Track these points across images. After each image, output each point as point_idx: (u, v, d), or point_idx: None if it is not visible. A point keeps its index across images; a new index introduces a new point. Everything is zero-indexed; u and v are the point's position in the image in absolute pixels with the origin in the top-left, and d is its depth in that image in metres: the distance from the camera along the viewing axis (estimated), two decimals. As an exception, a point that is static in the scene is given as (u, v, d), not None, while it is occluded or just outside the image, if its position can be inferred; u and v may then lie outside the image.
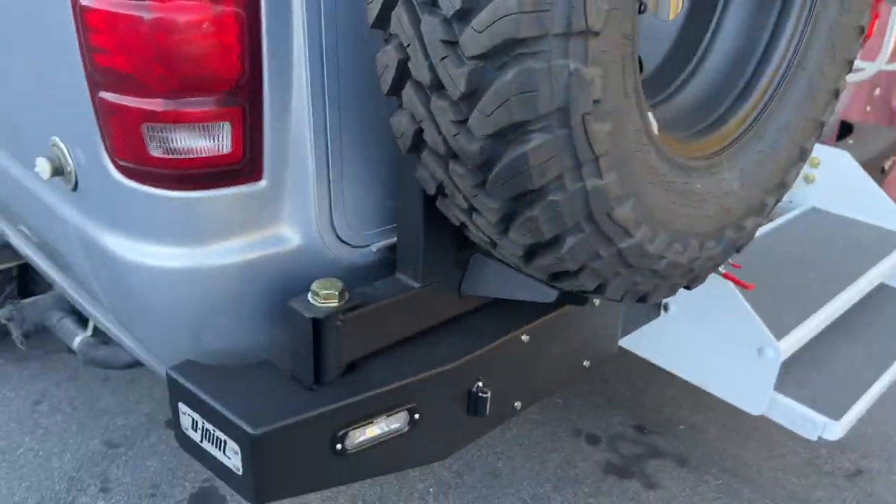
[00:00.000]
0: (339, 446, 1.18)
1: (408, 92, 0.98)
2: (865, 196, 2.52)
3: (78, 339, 1.92)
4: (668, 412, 2.84)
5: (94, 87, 1.11)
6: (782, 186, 1.36)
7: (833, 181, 2.57)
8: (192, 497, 2.31)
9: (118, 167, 1.17)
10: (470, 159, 0.95)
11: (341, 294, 1.18)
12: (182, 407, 1.21)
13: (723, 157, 1.25)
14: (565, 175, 0.93)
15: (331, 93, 1.19)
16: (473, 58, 0.87)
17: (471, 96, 0.90)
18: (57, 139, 1.25)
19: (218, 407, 1.13)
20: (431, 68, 0.92)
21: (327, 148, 1.22)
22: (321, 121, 1.20)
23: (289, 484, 1.17)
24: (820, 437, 1.84)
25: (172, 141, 1.10)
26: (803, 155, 1.38)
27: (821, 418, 1.80)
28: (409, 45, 0.94)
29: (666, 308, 1.90)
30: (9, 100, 1.45)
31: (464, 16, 0.86)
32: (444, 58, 0.90)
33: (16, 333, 2.07)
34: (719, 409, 2.84)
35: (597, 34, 0.86)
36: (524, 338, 1.40)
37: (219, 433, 1.15)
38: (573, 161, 0.92)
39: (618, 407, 2.85)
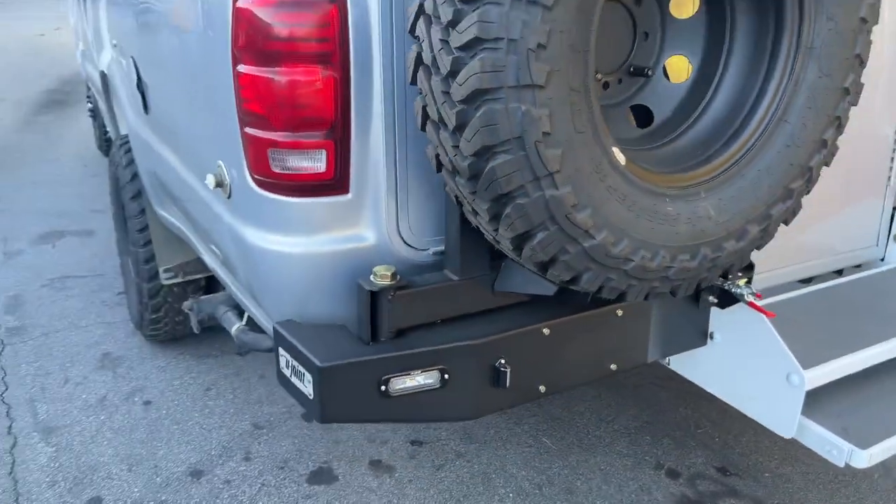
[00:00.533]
0: (383, 388, 1.60)
1: (429, 128, 1.42)
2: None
3: (235, 327, 2.50)
4: (755, 459, 2.94)
5: (242, 125, 1.66)
6: (767, 218, 1.62)
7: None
8: (312, 473, 2.80)
9: (254, 180, 1.71)
10: (464, 173, 1.36)
11: (393, 276, 1.62)
12: (281, 351, 1.69)
13: (701, 189, 1.56)
14: (527, 185, 1.32)
15: (398, 133, 1.66)
16: (459, 102, 1.30)
17: (460, 128, 1.32)
18: (221, 162, 1.82)
19: (301, 348, 1.60)
20: (437, 111, 1.35)
21: (396, 173, 1.69)
22: (391, 153, 1.67)
23: (345, 410, 1.60)
24: (847, 465, 1.97)
25: (287, 162, 1.62)
26: (790, 194, 1.63)
27: (847, 445, 1.93)
28: (426, 95, 1.38)
29: (712, 336, 2.15)
30: (196, 139, 2.07)
31: (452, 75, 1.29)
32: (443, 103, 1.33)
33: (194, 320, 2.73)
34: (810, 462, 2.91)
35: (542, 87, 1.25)
36: (545, 331, 1.75)
37: (300, 367, 1.61)
38: (532, 175, 1.31)
39: (705, 448, 3.00)
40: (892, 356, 2.17)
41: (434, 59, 1.32)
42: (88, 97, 6.76)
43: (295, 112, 1.58)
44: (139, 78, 2.56)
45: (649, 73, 1.77)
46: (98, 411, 3.15)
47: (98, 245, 4.83)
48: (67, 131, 7.94)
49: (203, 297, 2.76)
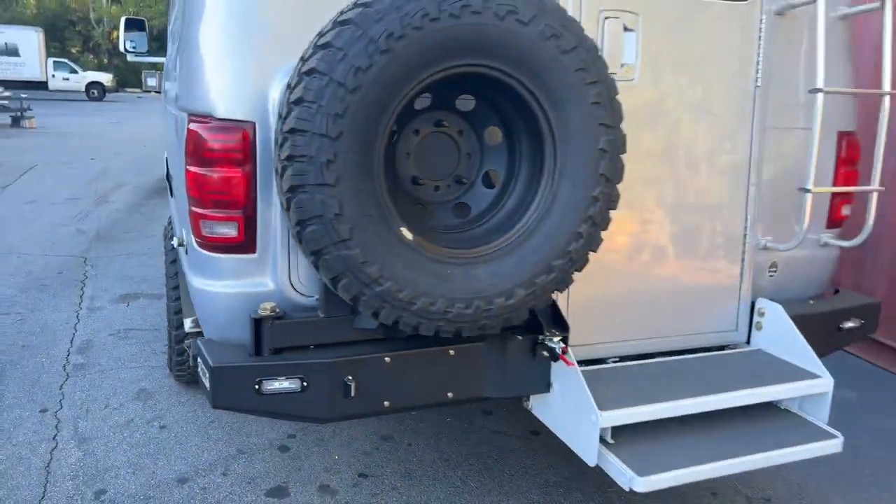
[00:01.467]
0: (257, 387, 2.30)
1: (285, 211, 2.19)
2: (793, 344, 3.04)
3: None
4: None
5: (189, 204, 2.49)
6: (532, 285, 2.25)
7: (774, 330, 3.13)
8: (271, 489, 3.46)
9: (196, 242, 2.51)
10: (295, 238, 2.10)
11: (273, 309, 2.35)
12: (198, 359, 2.43)
13: (479, 260, 2.22)
14: (329, 246, 2.03)
15: (292, 213, 2.44)
16: (285, 192, 2.05)
17: (287, 208, 2.07)
18: (183, 229, 2.65)
19: (205, 354, 2.34)
20: (280, 197, 2.11)
21: (288, 240, 2.44)
22: (285, 225, 2.44)
23: (229, 401, 2.31)
24: (630, 489, 2.48)
25: (213, 229, 2.42)
26: (552, 269, 2.26)
27: (630, 473, 2.46)
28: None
29: (549, 387, 2.73)
30: (179, 214, 2.93)
31: (281, 175, 2.05)
32: (280, 193, 2.09)
33: (190, 357, 3.53)
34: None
35: (332, 185, 1.98)
36: (387, 359, 2.41)
37: (204, 368, 2.34)
38: (331, 240, 2.02)
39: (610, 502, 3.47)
40: (685, 412, 2.67)
41: (276, 165, 2.10)
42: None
43: (218, 196, 2.39)
44: (167, 170, 3.51)
45: (465, 181, 2.49)
46: (123, 430, 3.97)
47: (163, 306, 5.82)
48: (165, 213, 9.26)
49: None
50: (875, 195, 3.08)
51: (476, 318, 2.22)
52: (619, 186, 2.40)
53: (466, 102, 2.45)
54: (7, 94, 21.09)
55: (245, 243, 2.43)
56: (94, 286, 6.42)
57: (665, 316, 3.04)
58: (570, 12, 2.58)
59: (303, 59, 2.03)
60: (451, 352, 2.48)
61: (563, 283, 2.32)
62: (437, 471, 3.68)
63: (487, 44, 2.07)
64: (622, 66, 2.76)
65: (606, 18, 2.71)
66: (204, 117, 2.35)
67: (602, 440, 2.60)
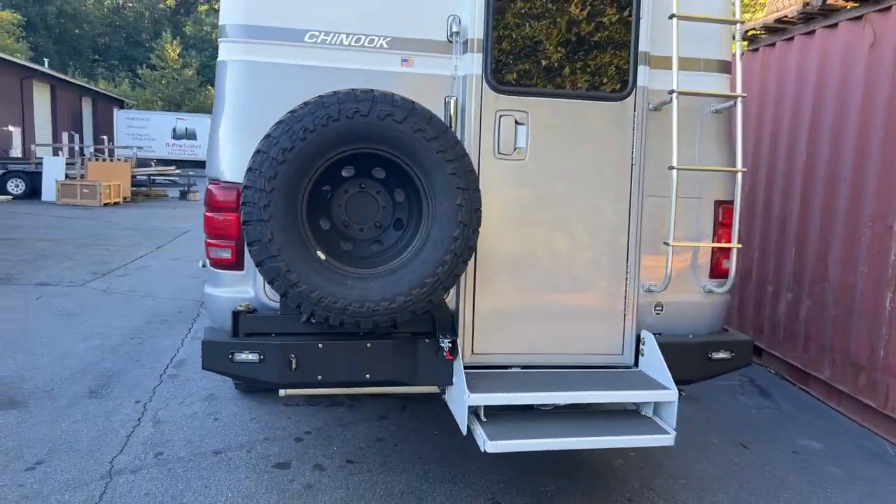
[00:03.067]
0: (230, 357, 3.47)
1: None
2: (658, 366, 3.82)
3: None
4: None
5: (207, 238, 3.76)
6: (409, 295, 3.28)
7: (650, 355, 3.94)
8: (277, 463, 4.60)
9: (209, 262, 3.78)
10: (250, 254, 3.28)
11: (246, 307, 3.55)
12: (203, 341, 3.63)
13: (371, 275, 3.31)
14: (266, 259, 3.18)
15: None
16: (242, 224, 3.24)
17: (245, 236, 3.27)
18: (205, 256, 3.93)
19: (204, 335, 3.56)
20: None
21: (265, 264, 3.65)
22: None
23: (214, 365, 3.48)
24: (484, 450, 3.39)
25: (216, 253, 3.68)
26: (424, 284, 3.29)
27: (484, 437, 3.38)
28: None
29: (451, 380, 3.71)
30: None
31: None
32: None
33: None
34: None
35: (266, 221, 3.15)
36: (320, 345, 3.51)
37: (202, 344, 3.55)
38: (267, 255, 3.17)
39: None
40: (541, 401, 3.53)
41: None
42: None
43: (219, 231, 3.65)
44: None
45: (381, 225, 3.61)
46: (188, 419, 5.28)
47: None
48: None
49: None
50: (735, 251, 3.87)
51: (368, 315, 3.29)
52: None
53: (380, 172, 3.60)
54: (178, 171, 24.52)
55: (236, 263, 3.65)
56: (201, 323, 7.97)
57: (563, 338, 3.94)
58: (473, 112, 3.71)
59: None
60: (368, 344, 3.54)
61: (434, 295, 3.35)
62: (409, 464, 4.66)
63: (374, 135, 3.23)
64: (515, 149, 3.81)
65: (502, 116, 3.78)
66: (214, 181, 3.66)
67: (478, 418, 3.55)
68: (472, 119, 3.73)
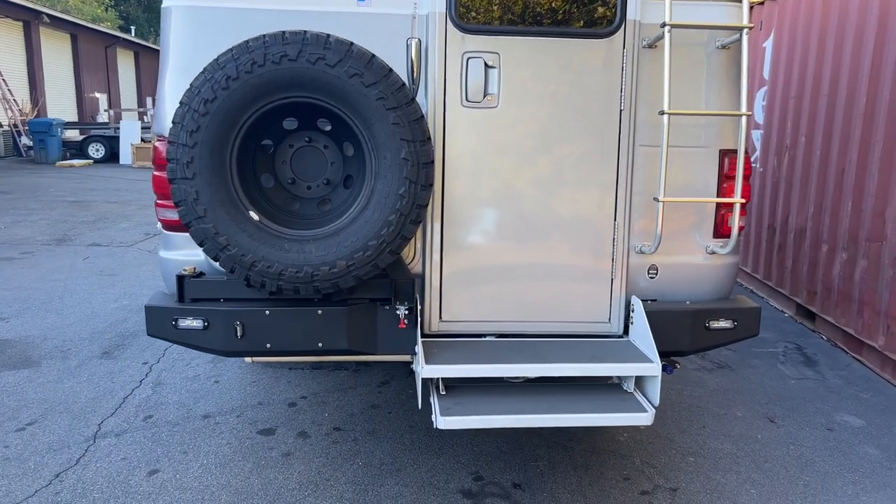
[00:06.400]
0: (174, 323, 3.30)
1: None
2: (645, 335, 3.42)
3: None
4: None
5: (156, 198, 3.57)
6: (351, 259, 2.99)
7: (639, 324, 3.53)
8: (263, 429, 4.46)
9: (160, 223, 3.60)
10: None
11: (192, 270, 3.35)
12: (146, 306, 3.46)
13: (312, 237, 3.03)
14: (193, 221, 2.95)
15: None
16: (169, 181, 3.02)
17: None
18: (159, 217, 3.75)
19: (149, 303, 3.39)
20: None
21: (221, 225, 3.43)
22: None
23: (158, 331, 3.31)
24: (435, 426, 3.11)
25: (164, 214, 3.49)
26: (368, 248, 2.99)
27: (437, 413, 3.10)
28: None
29: (415, 352, 3.43)
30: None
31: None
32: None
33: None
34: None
35: (191, 179, 2.91)
36: (267, 312, 3.29)
37: (146, 307, 3.38)
38: (194, 217, 2.94)
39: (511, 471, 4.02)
40: (502, 374, 3.21)
41: None
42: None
43: (167, 191, 3.45)
44: None
45: (329, 182, 3.31)
46: (188, 381, 5.22)
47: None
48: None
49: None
50: (738, 206, 3.40)
51: (307, 281, 3.03)
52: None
53: (327, 124, 3.30)
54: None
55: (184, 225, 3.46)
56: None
57: (542, 304, 3.58)
58: (437, 55, 3.35)
59: None
60: (319, 311, 3.29)
61: (380, 259, 3.05)
62: (398, 433, 4.44)
63: (304, 82, 2.92)
64: (485, 96, 3.43)
65: (470, 59, 3.40)
66: (161, 136, 3.45)
67: (437, 391, 3.27)
68: (437, 63, 3.37)
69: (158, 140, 3.43)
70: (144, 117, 31.16)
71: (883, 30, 5.61)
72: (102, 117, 31.37)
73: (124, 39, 36.65)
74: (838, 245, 6.26)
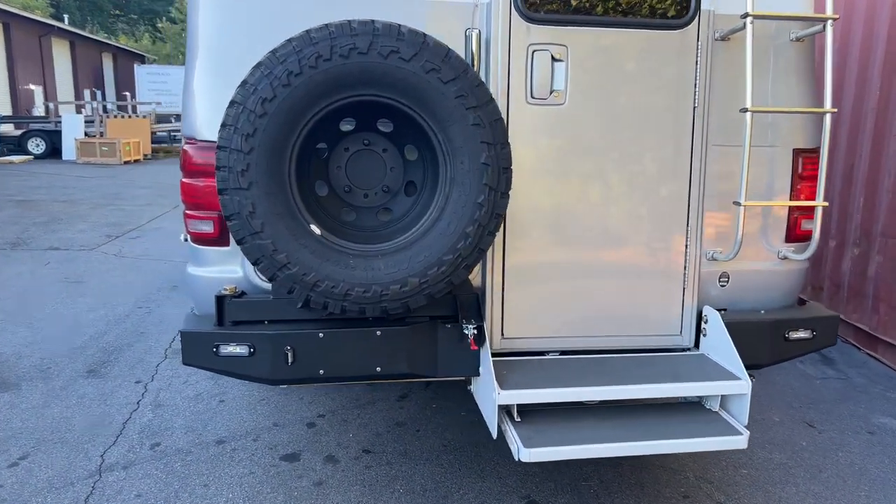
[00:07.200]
0: (215, 350, 2.92)
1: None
2: (726, 349, 3.19)
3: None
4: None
5: (185, 208, 3.17)
6: (424, 276, 2.67)
7: (714, 336, 3.30)
8: (286, 455, 4.09)
9: (189, 236, 3.20)
10: (229, 230, 2.68)
11: (233, 290, 2.97)
12: (182, 332, 3.07)
13: (380, 251, 2.70)
14: (247, 237, 2.59)
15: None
16: (220, 192, 2.64)
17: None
18: (185, 228, 3.35)
19: (184, 328, 3.00)
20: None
21: (254, 239, 3.06)
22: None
23: (194, 359, 2.93)
24: (518, 458, 2.82)
25: (196, 226, 3.10)
26: (442, 263, 2.67)
27: (518, 444, 2.81)
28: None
29: (478, 371, 3.13)
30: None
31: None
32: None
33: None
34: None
35: (246, 189, 2.55)
36: (320, 335, 2.94)
37: (181, 335, 3.00)
38: (249, 232, 2.58)
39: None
40: (584, 398, 2.94)
41: None
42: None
43: (199, 200, 3.06)
44: None
45: (389, 190, 2.98)
46: (191, 401, 4.79)
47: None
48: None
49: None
50: (820, 210, 3.19)
51: (375, 301, 2.69)
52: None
53: (387, 125, 2.96)
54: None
55: (220, 238, 3.07)
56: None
57: (607, 317, 3.32)
58: (500, 47, 3.04)
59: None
60: (378, 332, 2.96)
61: (455, 275, 2.73)
62: (433, 454, 4.13)
63: (375, 78, 2.57)
64: (552, 92, 3.13)
65: (535, 51, 3.10)
66: (190, 139, 3.05)
67: (511, 418, 2.97)
68: (500, 56, 3.07)
69: (188, 143, 3.03)
70: (83, 110, 29.82)
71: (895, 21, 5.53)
72: (39, 110, 29.88)
73: (59, 28, 34.99)
74: (848, 241, 6.19)
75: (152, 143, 23.53)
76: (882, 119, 5.72)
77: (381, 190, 2.98)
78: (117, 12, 59.78)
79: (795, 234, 3.38)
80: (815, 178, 3.30)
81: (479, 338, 2.98)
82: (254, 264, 2.64)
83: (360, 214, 2.99)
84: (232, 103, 2.54)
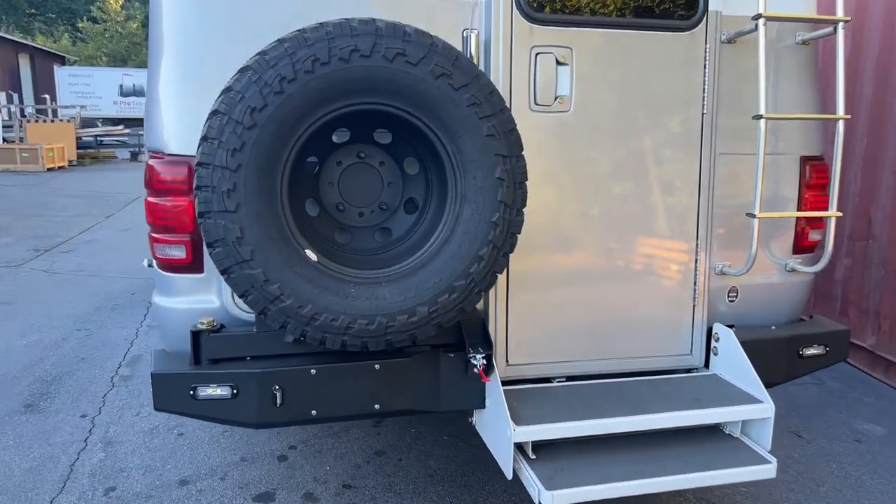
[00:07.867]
0: (192, 393, 2.57)
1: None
2: (742, 369, 3.02)
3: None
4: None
5: (151, 231, 2.80)
6: (434, 304, 2.39)
7: (727, 354, 3.13)
8: (260, 494, 3.73)
9: (156, 262, 2.83)
10: (211, 257, 2.34)
11: (210, 323, 2.62)
12: (153, 374, 2.70)
13: (383, 280, 2.40)
14: (233, 266, 2.26)
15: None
16: (198, 216, 2.29)
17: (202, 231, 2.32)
18: (150, 255, 2.97)
19: (155, 369, 2.63)
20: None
21: (230, 264, 2.72)
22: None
23: (168, 404, 2.58)
24: (539, 502, 2.56)
25: (164, 251, 2.73)
26: (454, 289, 2.40)
27: (538, 486, 2.55)
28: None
29: (484, 403, 2.86)
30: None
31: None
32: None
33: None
34: None
35: (234, 212, 2.22)
36: (313, 371, 2.62)
37: (152, 378, 2.63)
38: (236, 260, 2.25)
39: None
40: (605, 431, 2.71)
41: None
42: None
43: (167, 222, 2.70)
44: None
45: (387, 207, 2.69)
46: (146, 436, 4.36)
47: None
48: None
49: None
50: (833, 220, 3.04)
51: (380, 334, 2.40)
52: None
53: (385, 136, 2.66)
54: (126, 131, 22.94)
55: (193, 264, 2.72)
56: (158, 306, 6.98)
57: (614, 338, 3.10)
58: (501, 49, 2.78)
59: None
60: (377, 366, 2.66)
61: (468, 302, 2.46)
62: (419, 486, 3.83)
63: (380, 84, 2.28)
64: (556, 98, 2.89)
65: (539, 54, 2.85)
66: (156, 153, 2.68)
67: (525, 455, 2.71)
68: (500, 59, 2.81)
69: (154, 157, 2.67)
70: (-1, 114, 28.15)
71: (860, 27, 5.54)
72: (-50, 115, 28.06)
73: (-29, 28, 32.98)
74: (814, 244, 6.18)
75: (77, 148, 22.38)
76: (850, 125, 5.72)
77: (377, 207, 2.68)
78: (33, 11, 57.01)
79: (803, 245, 3.24)
80: (822, 186, 3.17)
81: (488, 369, 2.71)
82: (241, 296, 2.30)
83: (356, 235, 2.68)
84: (214, 113, 2.20)
